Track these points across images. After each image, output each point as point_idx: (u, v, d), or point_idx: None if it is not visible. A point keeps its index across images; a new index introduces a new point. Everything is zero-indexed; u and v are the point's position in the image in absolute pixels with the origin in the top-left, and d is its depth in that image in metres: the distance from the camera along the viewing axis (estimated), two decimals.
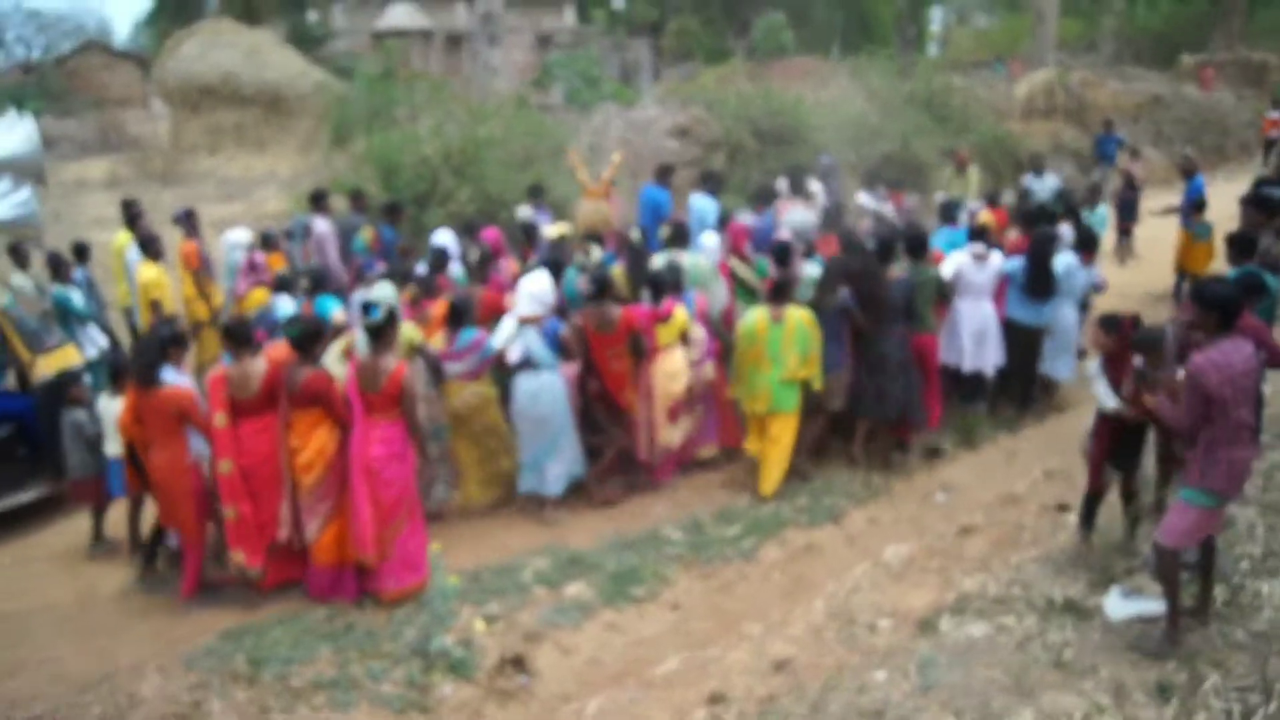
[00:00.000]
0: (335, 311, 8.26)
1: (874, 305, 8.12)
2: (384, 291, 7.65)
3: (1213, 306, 5.09)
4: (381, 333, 6.36)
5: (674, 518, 7.55)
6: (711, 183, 11.67)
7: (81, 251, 10.33)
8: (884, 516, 7.89)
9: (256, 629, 6.19)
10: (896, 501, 8.08)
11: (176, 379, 6.62)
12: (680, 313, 7.82)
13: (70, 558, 7.56)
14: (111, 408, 7.24)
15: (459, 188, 13.32)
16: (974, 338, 9.04)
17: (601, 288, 7.62)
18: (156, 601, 6.70)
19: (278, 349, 6.68)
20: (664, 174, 12.28)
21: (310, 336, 6.43)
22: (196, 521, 6.56)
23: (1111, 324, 6.21)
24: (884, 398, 8.27)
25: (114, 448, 7.21)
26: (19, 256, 9.63)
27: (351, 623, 6.17)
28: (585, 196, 11.71)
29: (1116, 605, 6.04)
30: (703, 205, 11.05)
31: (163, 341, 6.58)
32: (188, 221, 10.73)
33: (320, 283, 8.66)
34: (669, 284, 7.92)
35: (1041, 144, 20.91)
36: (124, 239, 10.62)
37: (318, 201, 11.09)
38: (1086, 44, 37.98)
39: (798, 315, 7.78)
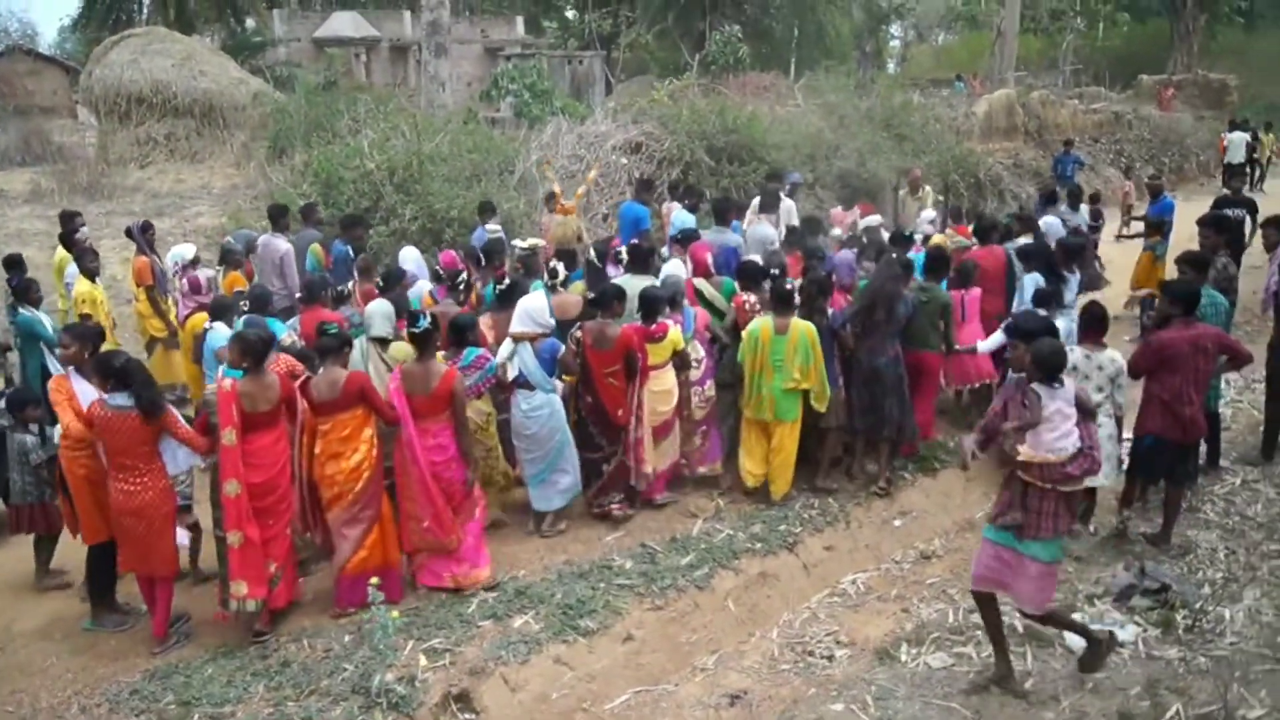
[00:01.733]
0: (283, 334, 8.14)
1: (884, 323, 8.41)
2: (383, 309, 7.63)
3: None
4: (428, 340, 6.75)
5: (625, 546, 7.56)
6: (692, 197, 11.76)
7: (12, 264, 10.18)
8: (841, 544, 7.96)
9: (186, 667, 6.10)
10: (854, 528, 8.16)
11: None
12: (674, 332, 7.88)
13: None
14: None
15: (403, 205, 13.28)
16: None
17: (603, 303, 7.69)
18: (78, 639, 6.57)
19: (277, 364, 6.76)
20: (645, 188, 12.34)
21: (343, 340, 6.65)
22: (172, 553, 6.43)
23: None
24: (879, 414, 8.49)
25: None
26: None
27: (287, 659, 6.10)
28: (556, 211, 11.77)
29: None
30: (684, 219, 11.12)
31: (108, 366, 6.26)
32: (142, 235, 10.57)
33: (262, 304, 8.50)
34: (661, 302, 7.95)
35: (1001, 163, 21.31)
36: (64, 255, 10.47)
37: (277, 218, 10.92)
38: (1047, 63, 38.85)
39: (801, 327, 7.98)
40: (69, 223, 10.87)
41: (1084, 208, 13.75)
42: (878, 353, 8.43)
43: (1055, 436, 5.27)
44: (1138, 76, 33.11)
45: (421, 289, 9.22)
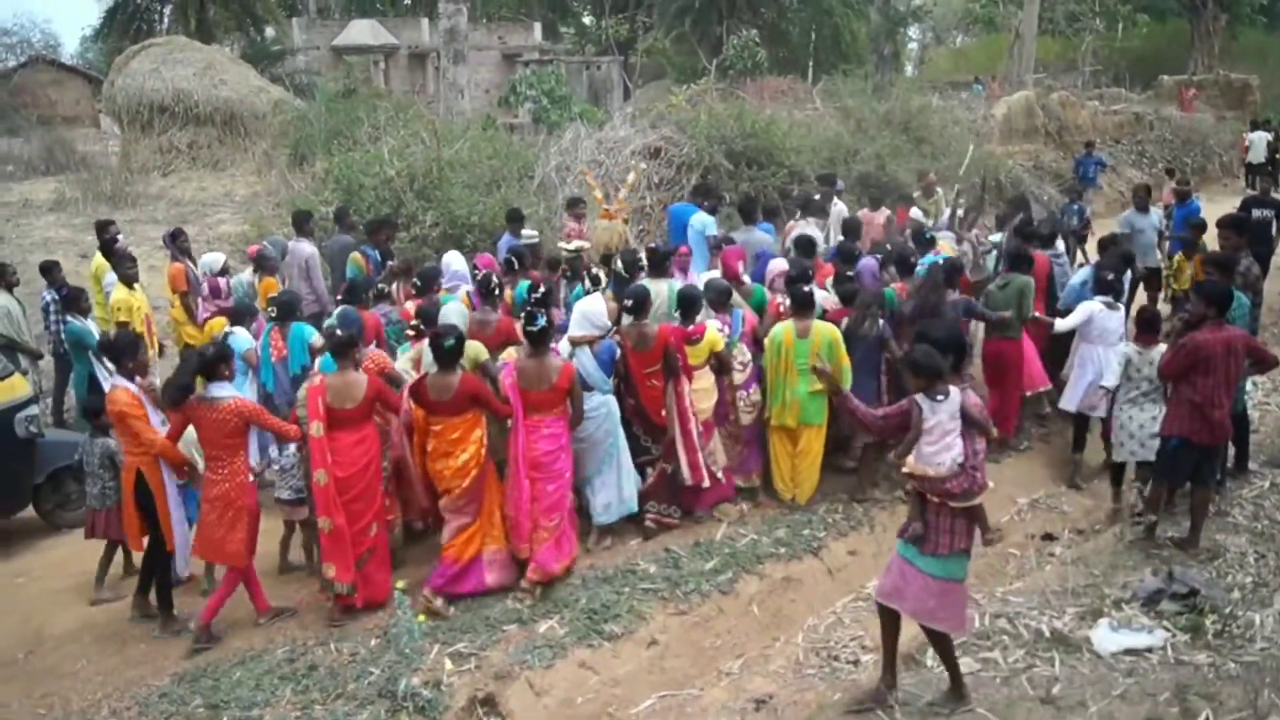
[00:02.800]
0: (314, 338, 8.31)
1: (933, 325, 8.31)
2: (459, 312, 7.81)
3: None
4: (544, 337, 6.98)
5: (649, 550, 7.56)
6: (711, 199, 11.71)
7: (48, 270, 10.31)
8: (865, 548, 7.94)
9: (214, 671, 6.15)
10: (878, 533, 8.13)
11: (233, 392, 6.59)
12: (711, 334, 7.87)
13: (13, 596, 7.47)
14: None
15: (424, 211, 13.34)
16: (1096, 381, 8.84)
17: (635, 307, 7.71)
18: (108, 643, 6.63)
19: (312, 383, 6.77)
20: (701, 192, 12.40)
21: (459, 344, 6.80)
22: (250, 543, 6.59)
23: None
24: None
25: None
26: (3, 277, 9.88)
27: (314, 663, 6.14)
28: (600, 216, 11.87)
29: (1106, 638, 6.12)
30: (703, 222, 11.10)
31: (204, 362, 6.60)
32: (175, 243, 10.70)
33: (290, 309, 8.62)
34: (698, 302, 7.96)
35: (1021, 166, 21.22)
36: (102, 262, 10.58)
37: (301, 224, 11.10)
38: (1066, 64, 38.59)
39: (824, 329, 8.01)
40: (105, 230, 11.00)
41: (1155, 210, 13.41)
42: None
43: (934, 450, 5.15)
44: (1158, 77, 32.88)
45: (461, 292, 9.28)
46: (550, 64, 28.38)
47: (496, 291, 8.14)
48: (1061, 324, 9.23)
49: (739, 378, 8.17)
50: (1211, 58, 36.15)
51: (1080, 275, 9.84)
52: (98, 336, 9.37)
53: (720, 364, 7.98)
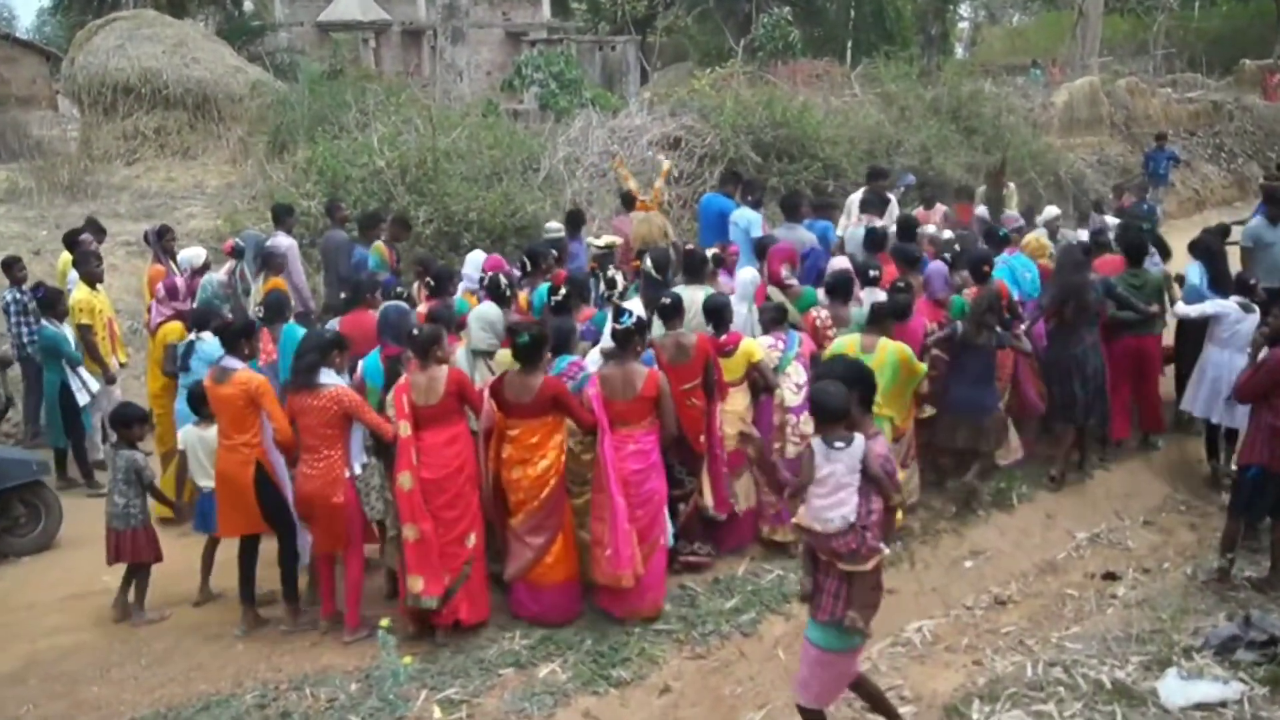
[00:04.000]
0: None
1: (1078, 308, 9.16)
2: (484, 316, 7.86)
3: None
4: (629, 339, 7.04)
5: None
6: (755, 192, 11.71)
7: (9, 265, 10.42)
8: (905, 587, 7.93)
9: (176, 716, 6.17)
10: (919, 570, 8.14)
11: (336, 380, 6.94)
12: (747, 343, 7.84)
13: None
14: (210, 436, 7.37)
15: (416, 206, 13.41)
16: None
17: (668, 313, 7.69)
18: (56, 684, 6.66)
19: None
20: (730, 179, 12.49)
21: (539, 344, 6.87)
22: (359, 537, 6.93)
23: None
24: (1069, 403, 9.26)
25: (209, 480, 7.39)
26: None
27: (287, 710, 6.15)
28: (637, 207, 12.01)
29: (1174, 690, 6.08)
30: (748, 219, 11.08)
31: (325, 343, 6.93)
32: (159, 241, 10.89)
33: (279, 310, 8.75)
34: (728, 309, 7.95)
35: (1084, 160, 21.22)
36: (67, 259, 10.76)
37: (282, 218, 11.30)
38: (1136, 46, 38.60)
39: (892, 349, 7.96)
40: (81, 229, 11.20)
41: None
42: (1073, 344, 9.21)
43: (823, 504, 5.08)
44: (1240, 61, 32.80)
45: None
46: (559, 44, 28.54)
47: (508, 293, 8.19)
48: (1189, 310, 9.49)
49: (791, 398, 7.96)
50: None
51: (1192, 273, 10.00)
52: (71, 346, 9.53)
53: (763, 377, 7.86)
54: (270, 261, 10.28)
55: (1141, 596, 7.90)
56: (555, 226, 11.47)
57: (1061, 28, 39.21)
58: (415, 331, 6.93)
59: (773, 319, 8.33)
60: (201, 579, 7.68)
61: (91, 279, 9.97)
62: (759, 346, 7.95)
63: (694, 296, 8.35)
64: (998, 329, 8.65)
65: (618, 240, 11.03)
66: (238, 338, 7.21)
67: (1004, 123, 19.97)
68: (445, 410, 6.76)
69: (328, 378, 6.81)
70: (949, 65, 25.26)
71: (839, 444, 5.05)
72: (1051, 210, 12.60)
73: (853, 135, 17.18)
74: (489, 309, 7.91)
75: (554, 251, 10.04)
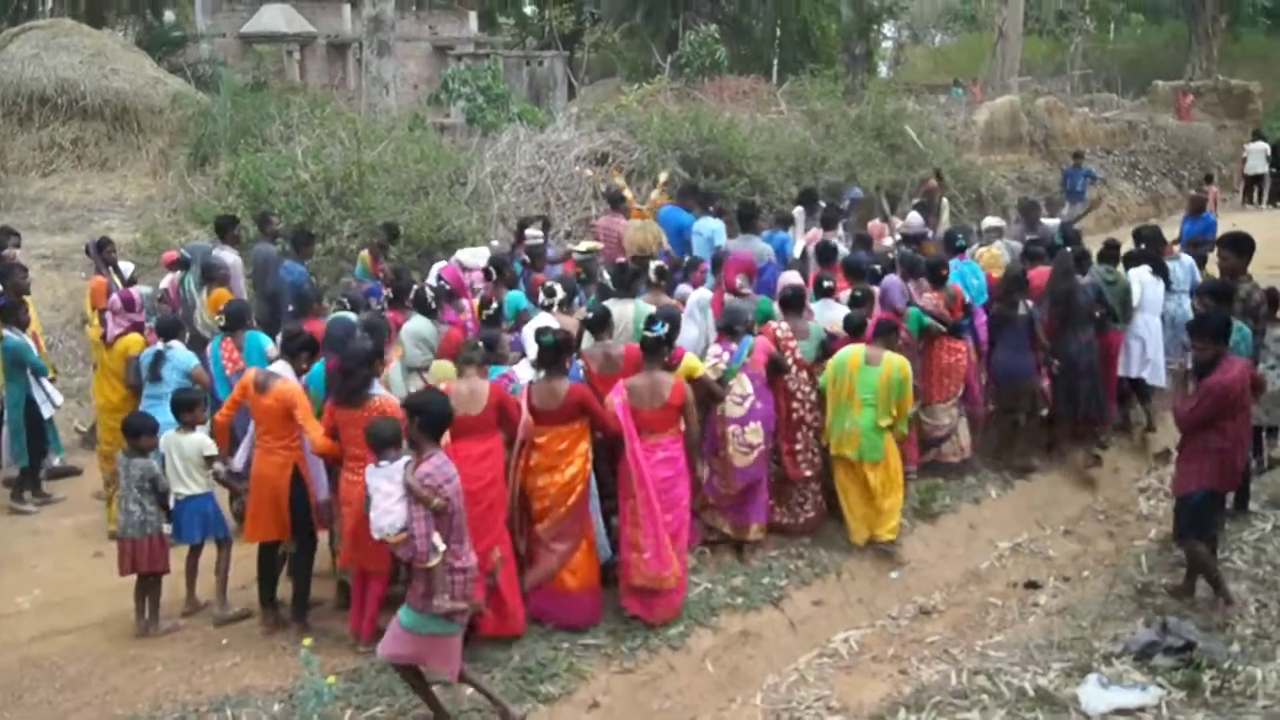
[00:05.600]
0: (269, 348, 8.42)
1: (1069, 311, 9.85)
2: (415, 331, 7.82)
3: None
4: (659, 349, 7.25)
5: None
6: (716, 201, 11.97)
7: None
8: (831, 598, 7.99)
9: None
10: (845, 581, 8.20)
11: (382, 391, 6.96)
12: (689, 360, 7.85)
13: None
14: (189, 443, 7.30)
15: (341, 220, 13.29)
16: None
17: (598, 326, 7.78)
18: None
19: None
20: (690, 193, 12.67)
21: (564, 347, 7.03)
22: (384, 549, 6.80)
23: None
24: (1073, 397, 9.96)
25: (191, 487, 7.28)
26: None
27: None
28: (632, 215, 12.06)
29: (1095, 696, 6.18)
30: (711, 228, 11.33)
31: (369, 355, 6.89)
32: (100, 253, 10.66)
33: (241, 318, 8.73)
34: (677, 323, 7.89)
35: (1004, 177, 21.59)
36: None
37: (226, 230, 11.13)
38: (1054, 67, 39.39)
39: (896, 363, 8.20)
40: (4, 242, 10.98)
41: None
42: (1069, 340, 9.86)
43: (377, 514, 5.77)
44: (1153, 82, 33.62)
45: None
46: (487, 58, 28.44)
47: (434, 305, 8.20)
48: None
49: (735, 410, 8.02)
50: (1211, 62, 37.01)
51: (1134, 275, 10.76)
52: (35, 355, 9.37)
53: (709, 393, 7.89)
54: (212, 274, 10.16)
55: (1062, 605, 8.04)
56: (535, 234, 11.49)
57: (982, 48, 39.88)
58: (465, 347, 7.06)
59: (726, 326, 8.31)
60: (187, 590, 7.50)
61: (19, 290, 9.74)
62: (699, 361, 7.98)
63: (623, 311, 8.37)
64: (1030, 304, 9.68)
65: (599, 245, 11.10)
66: (297, 349, 7.35)
67: (926, 140, 20.29)
68: (485, 422, 6.80)
69: (372, 387, 6.85)
70: (873, 84, 25.59)
71: (385, 461, 5.85)
72: (991, 220, 12.85)
73: (779, 152, 17.31)
74: (420, 324, 7.87)
75: (526, 258, 10.20)
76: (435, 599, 5.76)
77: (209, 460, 7.32)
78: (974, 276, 10.51)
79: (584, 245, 10.89)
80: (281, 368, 7.22)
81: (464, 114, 22.24)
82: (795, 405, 8.47)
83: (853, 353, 8.28)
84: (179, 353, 8.51)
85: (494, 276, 9.68)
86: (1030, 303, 9.76)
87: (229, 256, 10.73)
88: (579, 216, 14.54)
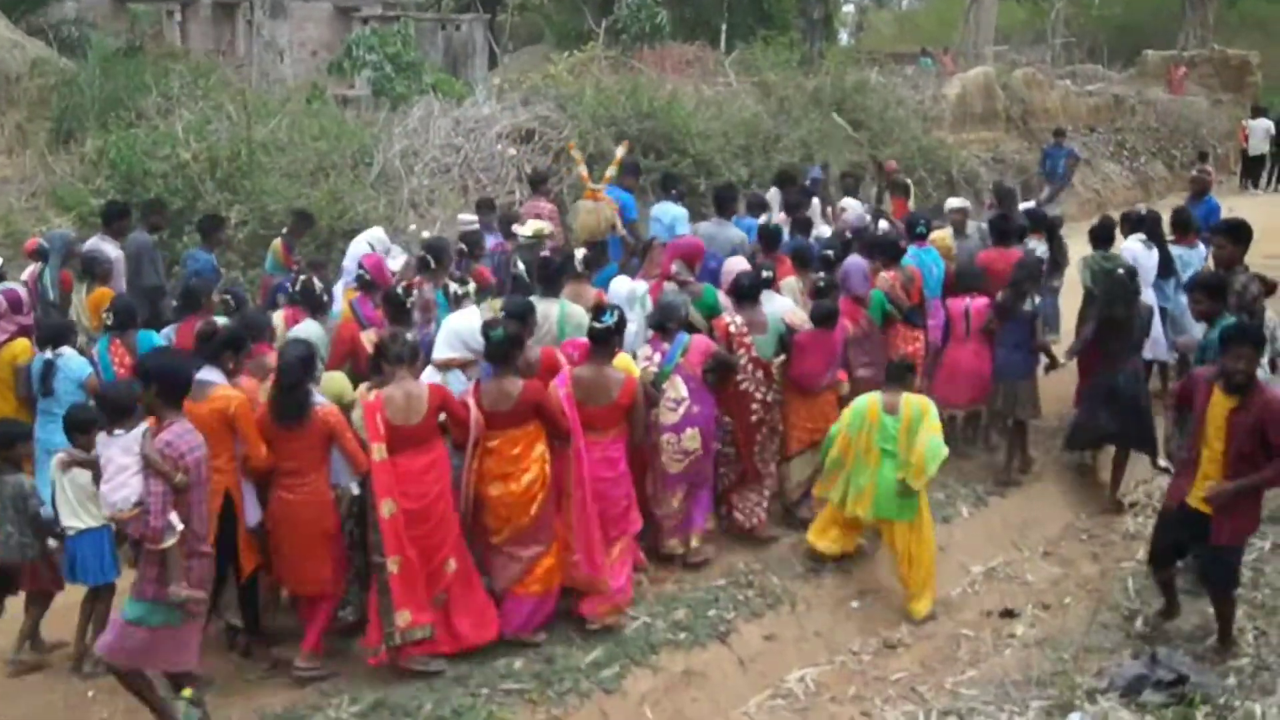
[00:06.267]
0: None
1: (1121, 333, 9.77)
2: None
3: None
4: (609, 341, 7.42)
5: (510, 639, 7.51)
6: (676, 184, 12.20)
7: None
8: (785, 632, 8.01)
9: None
10: (800, 612, 8.23)
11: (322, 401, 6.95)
12: (622, 361, 7.84)
13: None
14: (77, 471, 7.03)
15: (228, 206, 13.15)
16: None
17: (519, 322, 7.65)
18: None
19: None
20: (632, 171, 12.75)
21: (515, 342, 7.13)
22: (337, 571, 6.98)
23: None
24: (1091, 427, 10.07)
25: (86, 520, 7.01)
26: None
27: None
28: (585, 196, 11.99)
29: None
30: (671, 215, 11.49)
31: (305, 362, 6.88)
32: None
33: (131, 316, 8.68)
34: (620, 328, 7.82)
35: (978, 157, 21.84)
36: None
37: (113, 219, 10.93)
38: (1033, 35, 39.89)
39: (915, 403, 8.29)
40: None
41: None
42: (1114, 368, 9.83)
43: (109, 488, 5.88)
44: (1142, 52, 34.07)
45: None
46: (396, 20, 28.20)
47: (324, 299, 8.29)
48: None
49: (669, 416, 8.10)
50: (1206, 29, 37.60)
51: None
52: None
53: (644, 395, 7.93)
54: (94, 268, 10.02)
55: (1041, 635, 8.12)
56: (469, 219, 11.59)
57: (953, 14, 40.32)
58: (392, 343, 7.03)
59: (658, 322, 8.35)
60: (77, 637, 7.25)
61: None
62: (631, 362, 8.00)
63: (547, 309, 8.35)
64: (1036, 300, 10.01)
65: (546, 227, 11.07)
66: (222, 349, 7.11)
67: (891, 116, 20.45)
68: (426, 430, 6.85)
69: (316, 397, 6.87)
70: (832, 53, 25.71)
71: (119, 432, 5.89)
72: (954, 201, 12.98)
73: (727, 129, 17.38)
74: (309, 328, 7.81)
75: (463, 246, 10.14)
76: (170, 586, 5.77)
77: None
78: (934, 265, 10.68)
79: (530, 228, 10.81)
80: (209, 373, 6.96)
81: (370, 85, 22.08)
82: (754, 407, 8.59)
83: (870, 401, 8.36)
84: (71, 360, 8.28)
85: (431, 265, 9.53)
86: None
87: (112, 250, 10.55)
88: (501, 202, 14.46)
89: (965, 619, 8.54)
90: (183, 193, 13.41)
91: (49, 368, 8.26)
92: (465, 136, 15.89)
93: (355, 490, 7.07)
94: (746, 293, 8.86)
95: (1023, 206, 13.72)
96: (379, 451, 6.75)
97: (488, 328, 7.17)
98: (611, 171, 11.94)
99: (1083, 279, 10.70)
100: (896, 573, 8.51)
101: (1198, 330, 8.98)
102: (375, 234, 11.02)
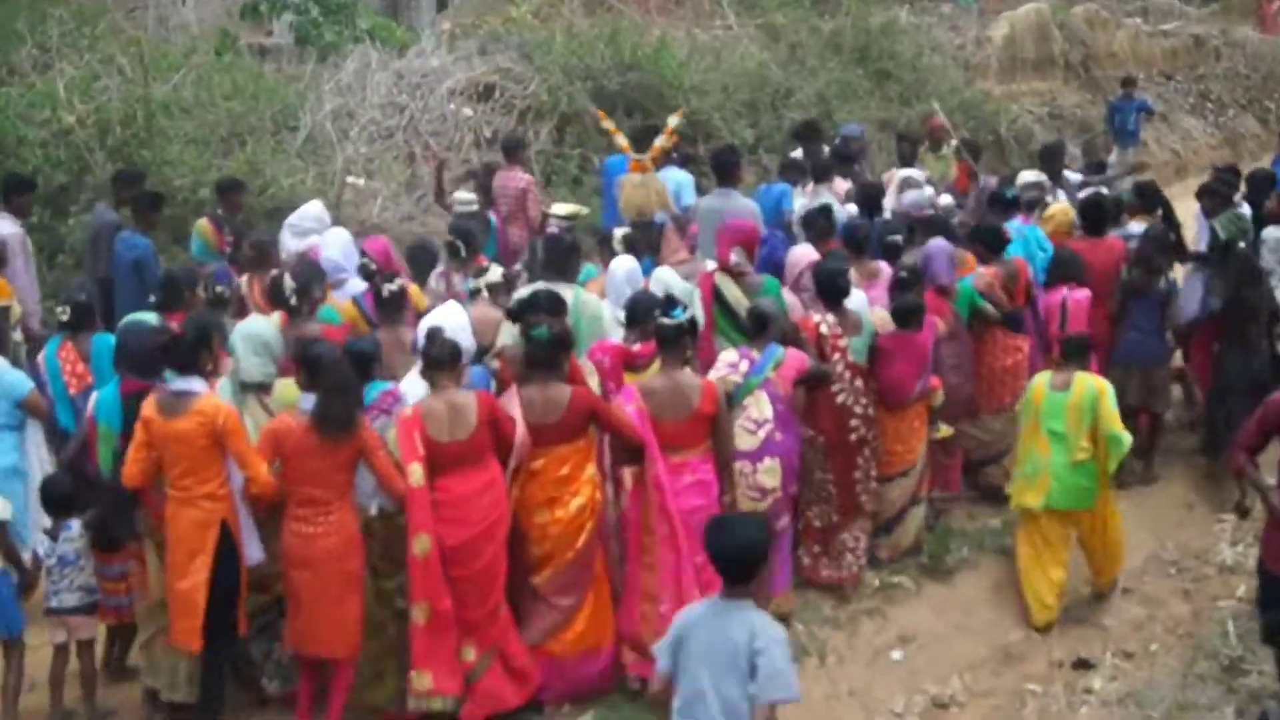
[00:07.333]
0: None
1: (1245, 314, 10.31)
2: (257, 335, 7.86)
3: None
4: (681, 342, 7.45)
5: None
6: (682, 149, 12.46)
7: None
8: (813, 689, 7.96)
9: None
10: (832, 665, 8.24)
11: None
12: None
13: None
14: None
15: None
16: None
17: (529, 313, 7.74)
18: None
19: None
20: (649, 134, 12.63)
21: (562, 342, 7.23)
22: (359, 621, 6.93)
23: None
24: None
25: None
26: None
27: None
28: (631, 168, 11.96)
29: None
30: (676, 182, 11.66)
31: (364, 354, 7.20)
32: None
33: (89, 315, 8.76)
34: (646, 311, 7.97)
35: (1031, 112, 21.84)
36: None
37: (12, 194, 10.98)
38: None
39: (1088, 382, 8.62)
40: None
41: None
42: (1241, 360, 10.35)
43: None
44: None
45: (353, 290, 9.33)
46: None
47: (292, 300, 8.28)
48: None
49: (746, 441, 8.01)
50: None
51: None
52: None
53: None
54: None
55: (1125, 690, 8.10)
56: (466, 198, 11.63)
57: None
58: (431, 344, 7.10)
59: (758, 326, 8.32)
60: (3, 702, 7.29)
61: None
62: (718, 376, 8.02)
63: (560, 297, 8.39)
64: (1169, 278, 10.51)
65: (583, 210, 11.39)
66: (194, 349, 7.02)
67: (926, 65, 20.43)
68: (477, 447, 6.87)
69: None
70: None
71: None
72: (1029, 175, 12.98)
73: (727, 82, 17.37)
74: (259, 324, 7.79)
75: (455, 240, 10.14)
76: None
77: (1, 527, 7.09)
78: (1039, 247, 10.77)
79: (565, 208, 10.88)
80: (186, 382, 6.93)
81: (292, 31, 22.04)
82: (854, 424, 8.70)
83: (1038, 381, 8.80)
84: (6, 375, 8.30)
85: (461, 253, 9.68)
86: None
87: (6, 226, 10.58)
88: (455, 172, 14.43)
89: (1031, 671, 8.52)
90: (66, 164, 13.30)
91: None
92: (410, 94, 15.86)
93: (374, 511, 7.10)
94: (836, 288, 8.88)
95: (1075, 176, 13.73)
96: (416, 475, 6.79)
97: (531, 328, 7.17)
98: (662, 142, 11.99)
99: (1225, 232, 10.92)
100: (1045, 590, 8.77)
101: None
102: (313, 211, 10.96)
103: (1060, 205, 11.79)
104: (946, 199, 12.53)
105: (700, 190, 12.30)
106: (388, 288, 8.50)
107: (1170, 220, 12.16)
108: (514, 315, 7.88)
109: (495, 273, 8.83)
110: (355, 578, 6.87)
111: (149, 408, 6.84)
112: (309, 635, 6.87)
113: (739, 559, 5.33)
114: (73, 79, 14.69)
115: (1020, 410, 8.90)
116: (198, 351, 7.02)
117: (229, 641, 7.04)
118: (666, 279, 9.00)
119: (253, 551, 6.98)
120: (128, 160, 13.34)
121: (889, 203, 12.12)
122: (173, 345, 7.20)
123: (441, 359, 7.02)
